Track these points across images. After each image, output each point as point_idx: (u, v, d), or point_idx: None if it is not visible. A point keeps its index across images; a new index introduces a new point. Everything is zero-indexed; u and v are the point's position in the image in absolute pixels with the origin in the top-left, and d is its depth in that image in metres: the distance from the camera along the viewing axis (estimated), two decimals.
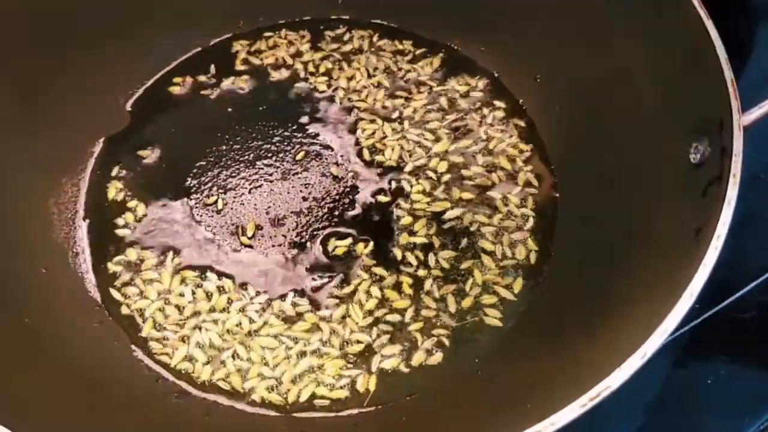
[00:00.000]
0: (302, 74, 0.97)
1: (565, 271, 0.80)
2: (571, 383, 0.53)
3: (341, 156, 0.89)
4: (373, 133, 0.91)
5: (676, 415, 0.77)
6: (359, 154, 0.89)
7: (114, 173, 0.87)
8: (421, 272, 0.80)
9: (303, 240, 0.82)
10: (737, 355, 0.80)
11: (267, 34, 1.01)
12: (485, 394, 0.70)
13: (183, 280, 0.79)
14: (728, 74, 0.62)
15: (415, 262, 0.80)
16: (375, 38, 1.01)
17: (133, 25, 0.90)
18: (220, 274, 0.79)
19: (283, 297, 0.78)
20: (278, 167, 0.88)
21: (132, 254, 0.81)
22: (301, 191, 0.86)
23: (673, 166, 0.67)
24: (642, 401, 0.77)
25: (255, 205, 0.85)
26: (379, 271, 0.80)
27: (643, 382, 0.76)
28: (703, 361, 0.79)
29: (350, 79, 0.97)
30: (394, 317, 0.77)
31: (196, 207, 0.85)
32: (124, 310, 0.77)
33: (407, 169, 0.88)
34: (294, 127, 0.92)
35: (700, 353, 0.79)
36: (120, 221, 0.83)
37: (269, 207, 0.85)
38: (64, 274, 0.78)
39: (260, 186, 0.86)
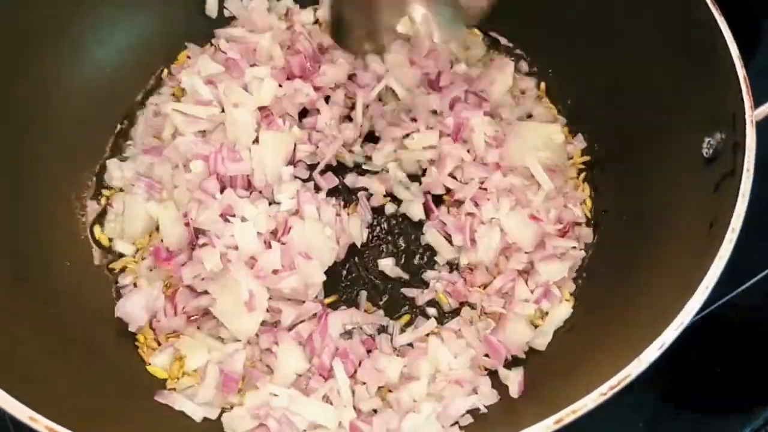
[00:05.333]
0: None
1: None
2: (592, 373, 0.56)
3: None
4: None
5: (687, 404, 0.78)
6: None
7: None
8: None
9: None
10: (746, 342, 0.82)
11: None
12: None
13: None
14: (740, 71, 0.63)
15: None
16: None
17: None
18: None
19: None
20: None
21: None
22: None
23: (686, 162, 0.68)
24: (653, 391, 0.79)
25: None
26: None
27: (654, 372, 0.78)
28: (714, 348, 0.81)
29: None
30: None
31: None
32: None
33: None
34: None
35: (710, 341, 0.80)
36: None
37: None
38: (86, 268, 0.80)
39: None
